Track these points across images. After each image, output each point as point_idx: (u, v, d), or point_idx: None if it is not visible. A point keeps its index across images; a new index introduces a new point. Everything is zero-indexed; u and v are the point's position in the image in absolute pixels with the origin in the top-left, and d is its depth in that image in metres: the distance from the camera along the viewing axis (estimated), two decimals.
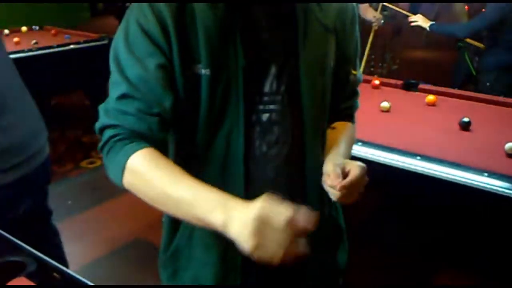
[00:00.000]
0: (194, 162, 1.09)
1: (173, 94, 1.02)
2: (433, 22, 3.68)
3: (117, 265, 2.91)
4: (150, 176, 0.97)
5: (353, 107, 1.35)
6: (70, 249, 3.02)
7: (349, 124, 1.33)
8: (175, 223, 1.19)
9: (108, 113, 1.03)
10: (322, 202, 1.19)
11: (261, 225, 0.83)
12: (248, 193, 1.04)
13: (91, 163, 4.21)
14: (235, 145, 1.07)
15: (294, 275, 1.21)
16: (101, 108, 1.05)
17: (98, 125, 1.05)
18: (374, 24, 4.09)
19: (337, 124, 1.29)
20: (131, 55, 1.01)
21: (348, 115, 1.34)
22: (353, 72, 1.27)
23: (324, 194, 1.10)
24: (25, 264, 1.18)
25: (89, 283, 1.13)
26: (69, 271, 1.16)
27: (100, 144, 1.05)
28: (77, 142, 4.63)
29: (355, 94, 1.34)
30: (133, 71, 1.01)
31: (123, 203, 3.54)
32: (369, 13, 4.14)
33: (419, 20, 3.71)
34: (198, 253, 1.16)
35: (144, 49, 1.00)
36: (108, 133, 1.03)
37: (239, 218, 0.85)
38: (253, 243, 0.83)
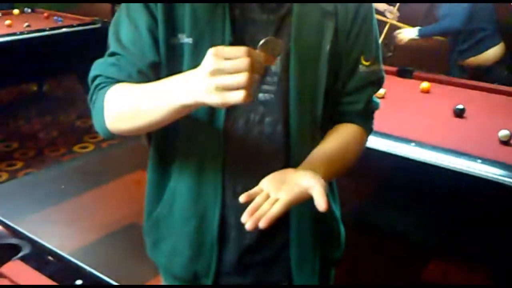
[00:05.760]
0: (175, 138, 1.12)
1: (156, 57, 1.07)
2: (419, 27, 3.69)
3: (110, 250, 2.91)
4: (121, 97, 1.02)
5: (360, 103, 1.19)
6: (63, 233, 3.04)
7: (347, 128, 1.19)
8: (158, 193, 1.20)
9: (95, 67, 1.11)
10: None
11: (215, 58, 0.83)
12: (226, 171, 1.10)
13: (84, 147, 4.20)
14: (216, 120, 1.08)
15: (275, 249, 1.18)
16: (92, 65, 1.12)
17: (89, 78, 1.11)
18: (389, 18, 4.25)
19: (335, 128, 1.18)
20: (128, 18, 1.08)
21: (356, 114, 1.19)
22: (364, 62, 1.17)
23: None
24: (20, 247, 1.18)
25: (84, 266, 1.13)
26: (64, 254, 1.17)
27: (88, 96, 1.10)
28: (70, 126, 4.61)
29: (366, 88, 1.19)
30: (125, 32, 1.08)
31: (116, 187, 3.54)
32: (380, 5, 4.25)
33: (404, 33, 3.74)
34: (176, 223, 1.19)
35: (138, 12, 1.07)
36: (93, 84, 1.09)
37: (194, 74, 0.87)
38: (209, 70, 0.82)
